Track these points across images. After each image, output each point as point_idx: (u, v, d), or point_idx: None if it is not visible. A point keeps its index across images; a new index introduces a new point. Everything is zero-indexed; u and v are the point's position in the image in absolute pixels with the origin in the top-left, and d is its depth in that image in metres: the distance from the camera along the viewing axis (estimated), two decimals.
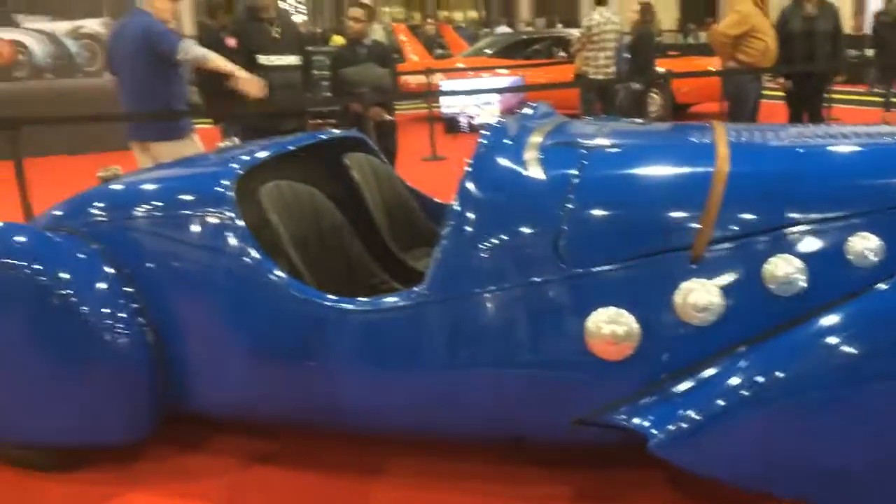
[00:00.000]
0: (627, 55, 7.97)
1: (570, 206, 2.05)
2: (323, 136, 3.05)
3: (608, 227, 2.05)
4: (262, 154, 2.64)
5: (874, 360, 1.78)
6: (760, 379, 1.83)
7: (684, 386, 1.96)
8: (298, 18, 31.74)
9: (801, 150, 2.24)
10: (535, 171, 2.12)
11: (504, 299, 2.05)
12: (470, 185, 2.10)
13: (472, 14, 34.92)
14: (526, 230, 2.06)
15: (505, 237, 2.06)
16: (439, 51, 14.21)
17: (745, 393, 1.83)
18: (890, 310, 1.83)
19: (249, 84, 4.22)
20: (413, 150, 7.61)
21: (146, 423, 2.36)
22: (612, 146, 2.27)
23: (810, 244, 1.96)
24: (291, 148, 2.80)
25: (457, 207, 2.09)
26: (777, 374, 1.83)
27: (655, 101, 10.60)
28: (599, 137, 2.34)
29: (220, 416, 2.47)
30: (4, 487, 2.40)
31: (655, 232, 2.03)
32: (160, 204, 2.38)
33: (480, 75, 10.46)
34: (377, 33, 20.01)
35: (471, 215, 2.08)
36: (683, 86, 9.82)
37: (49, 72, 9.23)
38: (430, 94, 8.78)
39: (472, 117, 9.69)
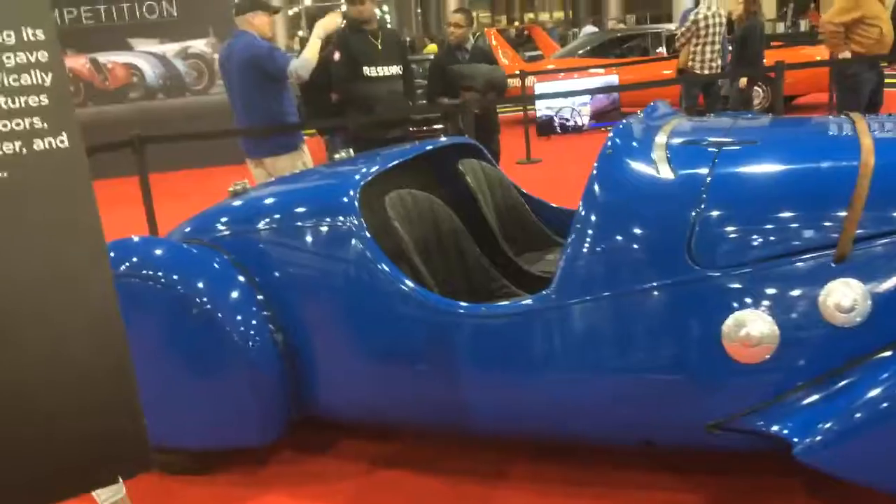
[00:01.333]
0: (730, 48, 7.71)
1: (702, 205, 1.99)
2: (437, 144, 3.08)
3: (743, 227, 1.98)
4: (381, 164, 2.69)
5: None
6: None
7: (828, 391, 1.88)
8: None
9: None
10: (665, 171, 2.08)
11: (635, 302, 2.01)
12: (597, 188, 2.08)
13: (559, 14, 34.68)
14: (657, 231, 2.01)
15: (635, 239, 2.02)
16: (528, 53, 14.17)
17: (882, 402, 1.73)
18: None
19: (329, 21, 4.31)
20: (508, 153, 7.60)
21: (277, 426, 2.43)
22: (743, 142, 2.19)
23: None
24: (408, 157, 2.85)
25: (583, 210, 2.07)
26: None
27: (759, 93, 10.24)
28: (728, 134, 2.27)
29: (347, 420, 2.52)
30: (147, 487, 2.53)
31: (795, 230, 1.94)
32: (287, 215, 2.46)
33: (573, 76, 10.36)
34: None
35: (598, 217, 2.05)
36: (789, 77, 9.42)
37: (161, 92, 9.72)
38: (526, 98, 8.75)
39: (566, 119, 9.63)
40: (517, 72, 9.41)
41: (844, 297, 1.86)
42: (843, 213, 1.91)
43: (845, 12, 5.60)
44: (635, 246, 2.02)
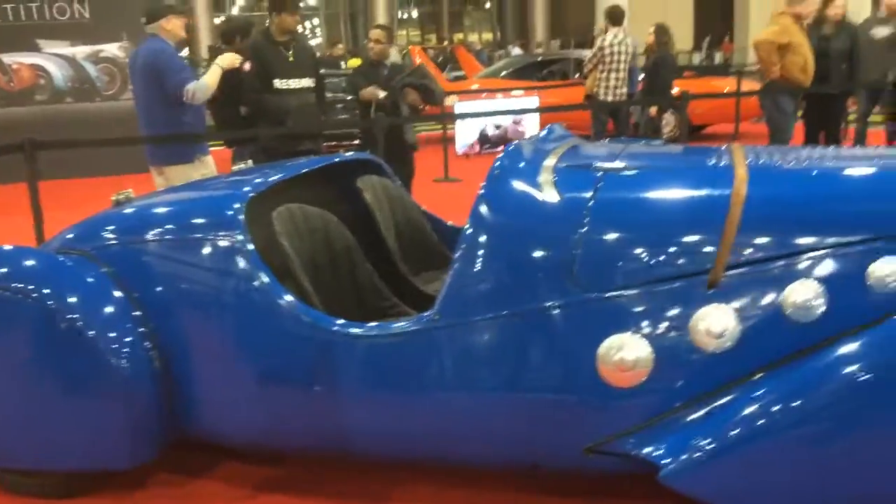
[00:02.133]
0: (641, 76, 7.93)
1: (584, 229, 2.02)
2: (336, 159, 3.04)
3: (623, 251, 2.01)
4: (275, 177, 2.63)
5: (893, 388, 1.73)
6: (776, 408, 1.79)
7: (698, 414, 1.92)
8: (314, 42, 32.16)
9: (821, 173, 2.20)
10: (550, 194, 2.10)
11: (516, 323, 2.02)
12: (483, 208, 2.08)
13: (488, 36, 35.17)
14: (540, 253, 2.03)
15: (518, 260, 2.03)
16: (455, 73, 14.28)
17: (760, 422, 1.79)
18: None
19: (229, 60, 4.29)
20: (426, 172, 7.61)
21: (150, 448, 2.33)
22: (628, 168, 2.24)
23: (830, 269, 1.91)
24: (304, 170, 2.80)
25: (469, 230, 2.07)
26: (793, 402, 1.79)
27: (669, 122, 10.59)
28: (615, 160, 2.32)
29: (228, 441, 2.44)
30: None
31: (671, 256, 1.99)
32: (170, 227, 2.38)
33: (495, 97, 10.49)
34: (393, 56, 20.11)
35: (483, 238, 2.05)
36: (697, 106, 9.79)
37: (69, 95, 9.35)
38: (445, 116, 8.79)
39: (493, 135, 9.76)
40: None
41: (715, 322, 1.91)
42: (716, 241, 1.96)
43: (779, 34, 5.72)
44: (517, 268, 2.03)
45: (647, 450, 1.94)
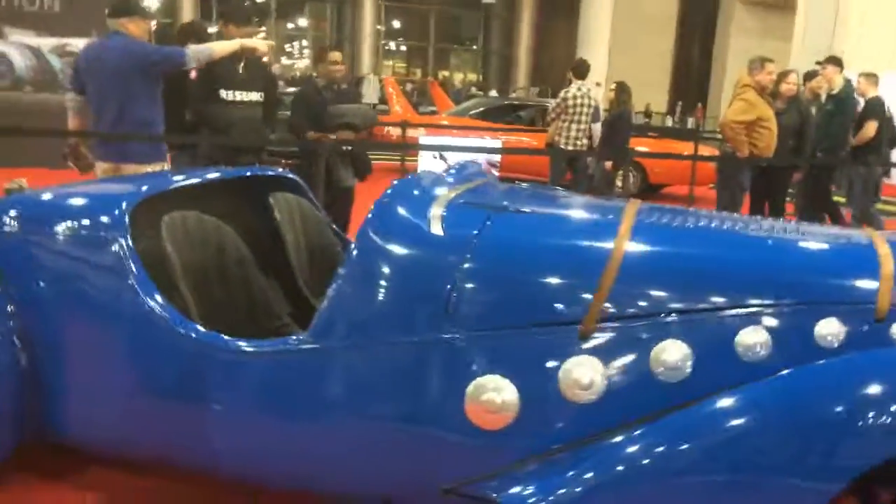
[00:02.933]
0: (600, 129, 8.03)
1: (465, 266, 1.99)
2: (249, 173, 3.00)
3: (500, 293, 1.99)
4: (178, 181, 2.58)
5: (746, 452, 1.72)
6: (629, 462, 1.77)
7: (557, 464, 1.89)
8: (302, 63, 32.20)
9: (707, 237, 2.21)
10: (436, 228, 2.08)
11: (384, 354, 1.98)
12: (367, 233, 2.05)
13: (472, 76, 35.59)
14: (418, 286, 2.00)
15: (395, 290, 2.00)
16: (430, 108, 14.39)
17: (613, 474, 1.76)
18: (764, 407, 1.78)
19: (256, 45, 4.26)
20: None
21: (2, 448, 2.23)
22: (520, 211, 2.23)
23: (700, 332, 1.91)
24: (210, 177, 2.75)
25: (352, 254, 2.03)
26: (646, 459, 1.77)
27: (630, 178, 10.73)
28: (514, 202, 2.31)
29: (93, 449, 2.35)
30: None
31: (547, 303, 1.98)
32: (54, 221, 2.31)
33: (466, 135, 10.56)
34: (372, 83, 20.09)
35: (364, 264, 2.02)
36: (656, 166, 9.95)
37: (29, 85, 9.22)
38: (406, 147, 8.81)
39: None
40: (400, 121, 9.51)
41: (584, 373, 1.89)
42: (593, 292, 1.95)
43: (744, 112, 5.80)
44: (394, 298, 2.00)
45: (504, 495, 1.90)
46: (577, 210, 2.49)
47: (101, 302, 2.20)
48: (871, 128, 7.18)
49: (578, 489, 1.81)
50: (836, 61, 7.32)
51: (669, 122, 22.93)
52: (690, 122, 22.34)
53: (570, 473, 1.85)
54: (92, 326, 2.21)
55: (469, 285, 1.98)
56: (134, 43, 4.04)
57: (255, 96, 4.73)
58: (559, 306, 1.97)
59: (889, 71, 15.88)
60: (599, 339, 1.93)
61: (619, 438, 1.84)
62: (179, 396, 2.13)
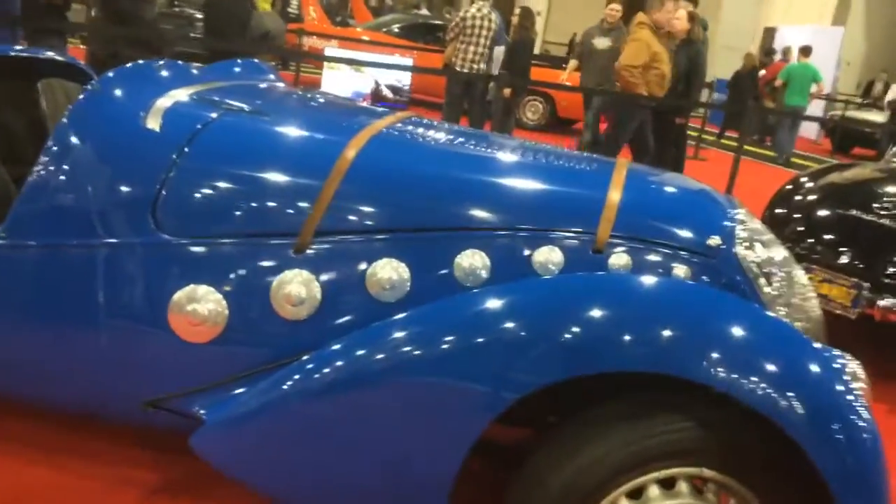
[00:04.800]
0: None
1: (177, 166, 1.83)
2: (26, 54, 2.73)
3: (213, 198, 1.83)
4: None
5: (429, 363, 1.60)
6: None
7: (263, 380, 1.78)
8: None
9: (449, 157, 2.07)
10: (153, 122, 1.89)
11: (84, 255, 1.80)
12: (73, 119, 1.85)
13: None
14: (123, 185, 1.82)
15: (99, 188, 1.81)
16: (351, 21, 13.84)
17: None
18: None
19: None
20: None
21: None
22: (257, 112, 2.05)
23: (418, 252, 1.81)
24: None
25: (51, 144, 1.84)
26: (344, 375, 1.65)
27: (538, 109, 10.60)
28: (254, 101, 2.12)
29: None
30: None
31: (265, 213, 1.83)
32: None
33: (380, 51, 10.20)
34: None
35: (66, 156, 1.83)
36: (565, 99, 9.84)
37: None
38: (303, 55, 8.46)
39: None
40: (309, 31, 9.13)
41: (296, 289, 1.77)
42: (312, 204, 1.82)
43: (637, 55, 5.67)
44: (97, 196, 1.81)
45: (201, 411, 1.80)
46: (330, 116, 2.31)
47: None
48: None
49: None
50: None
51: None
52: None
53: (274, 394, 1.74)
54: None
55: (180, 187, 1.82)
56: None
57: None
58: (276, 217, 1.82)
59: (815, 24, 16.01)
60: (316, 253, 1.81)
61: (300, 364, 1.71)
62: None
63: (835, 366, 1.54)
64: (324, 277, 1.79)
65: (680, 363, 1.49)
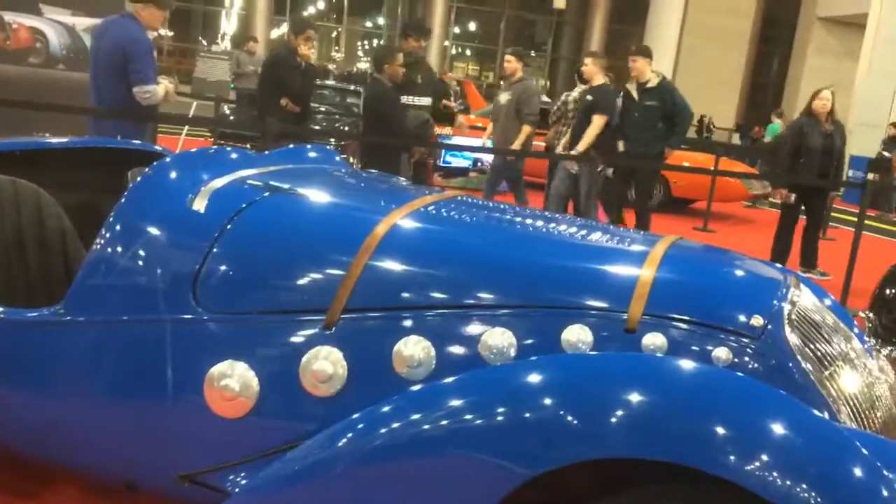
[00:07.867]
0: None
1: (217, 245, 1.91)
2: (111, 144, 2.97)
3: (248, 276, 1.90)
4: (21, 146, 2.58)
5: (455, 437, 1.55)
6: (355, 456, 1.64)
7: (277, 457, 1.78)
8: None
9: (477, 233, 2.07)
10: (199, 205, 1.99)
11: (128, 331, 1.91)
12: (129, 202, 1.98)
13: (541, 82, 35.31)
14: (169, 263, 1.92)
15: (147, 266, 1.93)
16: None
17: (336, 470, 1.64)
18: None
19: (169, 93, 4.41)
20: None
21: None
22: (301, 192, 2.12)
23: (444, 330, 1.78)
24: (52, 142, 2.74)
25: (109, 223, 1.97)
26: (370, 453, 1.62)
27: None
28: (304, 182, 2.20)
29: None
30: None
31: (296, 289, 1.88)
32: None
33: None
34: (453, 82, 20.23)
35: (120, 235, 1.96)
36: (680, 179, 9.59)
37: (62, 62, 9.54)
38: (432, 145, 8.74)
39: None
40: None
41: (323, 365, 1.78)
42: (340, 281, 1.84)
43: None
44: (145, 273, 1.93)
45: (238, 487, 1.81)
46: (373, 195, 2.35)
47: None
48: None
49: (305, 484, 1.68)
50: (645, 52, 6.77)
51: (737, 140, 21.98)
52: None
53: (298, 468, 1.73)
54: None
55: (217, 266, 1.89)
56: (136, 33, 4.18)
57: None
58: (308, 293, 1.86)
59: None
60: (344, 329, 1.81)
61: (350, 434, 1.71)
62: None
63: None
64: (351, 354, 1.79)
65: (710, 458, 1.36)
